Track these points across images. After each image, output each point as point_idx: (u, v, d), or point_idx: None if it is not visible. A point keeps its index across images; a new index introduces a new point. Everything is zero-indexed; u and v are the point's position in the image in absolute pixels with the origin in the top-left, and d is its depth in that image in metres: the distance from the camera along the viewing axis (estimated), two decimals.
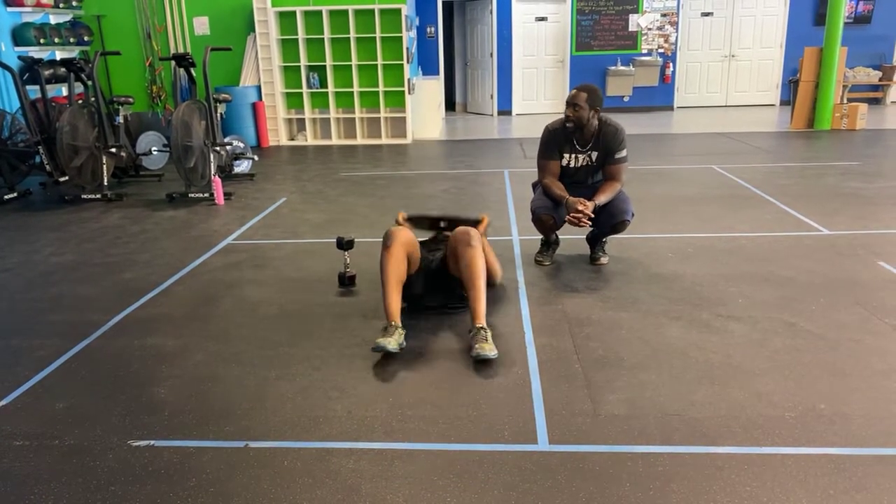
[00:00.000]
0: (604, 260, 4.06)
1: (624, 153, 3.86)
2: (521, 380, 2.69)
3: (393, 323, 2.96)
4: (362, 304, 3.56)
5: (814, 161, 7.03)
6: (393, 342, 2.86)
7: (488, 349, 2.83)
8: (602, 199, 3.78)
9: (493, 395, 2.59)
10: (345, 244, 3.71)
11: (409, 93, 9.31)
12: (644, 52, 11.71)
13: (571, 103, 3.77)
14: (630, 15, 11.54)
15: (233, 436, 2.36)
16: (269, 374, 2.83)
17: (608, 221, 3.91)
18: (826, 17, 8.99)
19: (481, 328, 2.95)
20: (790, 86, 9.82)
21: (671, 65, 11.74)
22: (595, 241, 4.15)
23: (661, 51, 11.70)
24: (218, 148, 6.32)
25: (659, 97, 11.87)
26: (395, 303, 3.04)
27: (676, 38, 11.65)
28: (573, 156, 3.93)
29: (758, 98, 12.12)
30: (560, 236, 4.27)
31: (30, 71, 7.38)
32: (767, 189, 5.74)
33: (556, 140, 3.93)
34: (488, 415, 2.46)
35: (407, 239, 3.21)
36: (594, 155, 3.89)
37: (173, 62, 6.80)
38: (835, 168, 6.58)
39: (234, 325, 3.31)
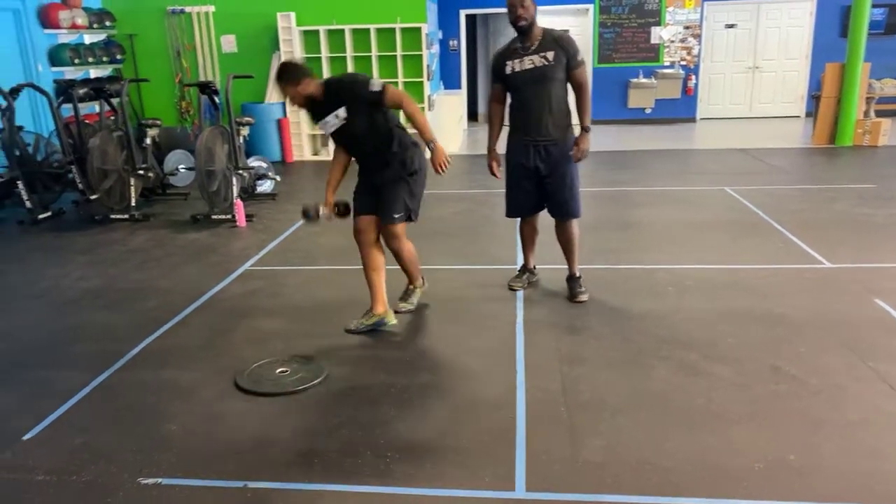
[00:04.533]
0: (583, 297, 4.08)
1: (581, 55, 3.86)
2: (507, 423, 2.84)
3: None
4: (365, 341, 3.73)
5: (829, 183, 7.03)
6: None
7: (402, 305, 3.95)
8: (589, 121, 3.90)
9: (479, 439, 2.74)
10: (311, 215, 3.75)
11: (429, 109, 9.48)
12: (666, 64, 11.72)
13: (520, 3, 3.67)
14: (652, 27, 11.55)
15: (233, 476, 2.55)
16: (271, 410, 3.02)
17: (559, 212, 4.06)
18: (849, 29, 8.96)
19: (413, 288, 4.01)
20: (813, 100, 9.77)
21: (693, 77, 11.73)
22: (570, 280, 4.21)
23: (683, 63, 11.69)
24: (241, 171, 6.55)
25: (681, 109, 11.86)
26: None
27: (699, 50, 11.64)
28: (518, 60, 3.81)
29: (782, 109, 12.04)
30: (539, 266, 4.41)
31: (64, 94, 7.70)
32: (776, 215, 5.78)
33: (500, 57, 3.89)
34: (472, 459, 2.61)
35: (365, 225, 3.75)
36: (550, 55, 3.75)
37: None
38: (849, 191, 6.58)
39: (243, 360, 3.49)
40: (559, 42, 3.79)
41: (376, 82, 3.48)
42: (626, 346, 3.52)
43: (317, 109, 3.59)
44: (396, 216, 3.66)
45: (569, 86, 3.91)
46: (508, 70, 3.85)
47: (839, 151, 8.83)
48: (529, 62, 3.80)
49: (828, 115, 9.30)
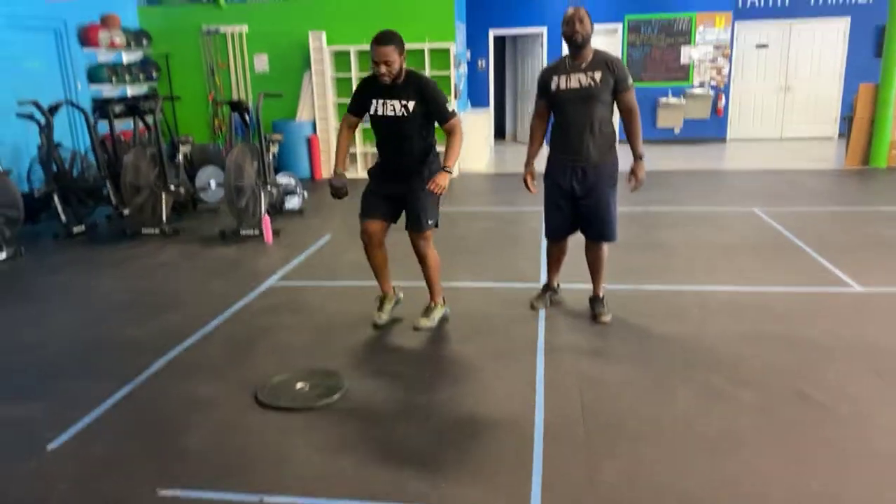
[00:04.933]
0: (606, 318, 4.05)
1: (631, 79, 3.82)
2: (524, 443, 2.82)
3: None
4: (385, 357, 3.74)
5: (862, 205, 6.90)
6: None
7: (422, 322, 4.03)
8: (641, 147, 3.90)
9: (495, 458, 2.72)
10: (339, 186, 3.87)
11: None
12: (696, 84, 11.65)
13: (578, 18, 3.65)
14: (682, 47, 11.51)
15: (250, 488, 2.57)
16: (290, 425, 3.03)
17: (592, 234, 4.03)
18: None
19: (434, 305, 4.11)
20: (846, 121, 9.63)
21: (724, 97, 11.64)
22: (593, 300, 4.19)
23: (713, 83, 11.61)
24: (270, 187, 6.64)
25: (711, 129, 11.77)
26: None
27: (730, 70, 11.56)
28: (566, 77, 3.76)
29: (815, 130, 11.88)
30: (562, 285, 4.41)
31: (100, 111, 7.91)
32: (806, 238, 5.68)
33: (548, 72, 3.86)
34: (488, 479, 2.59)
35: (377, 229, 3.91)
36: (598, 75, 3.71)
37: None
38: (881, 214, 6.45)
39: (263, 374, 3.53)
40: (608, 64, 3.76)
41: (450, 105, 3.76)
42: (648, 367, 3.48)
43: (387, 88, 3.68)
44: (430, 222, 3.87)
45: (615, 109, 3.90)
46: (553, 87, 3.82)
47: (873, 173, 8.67)
48: (576, 80, 3.76)
49: (861, 136, 9.15)
